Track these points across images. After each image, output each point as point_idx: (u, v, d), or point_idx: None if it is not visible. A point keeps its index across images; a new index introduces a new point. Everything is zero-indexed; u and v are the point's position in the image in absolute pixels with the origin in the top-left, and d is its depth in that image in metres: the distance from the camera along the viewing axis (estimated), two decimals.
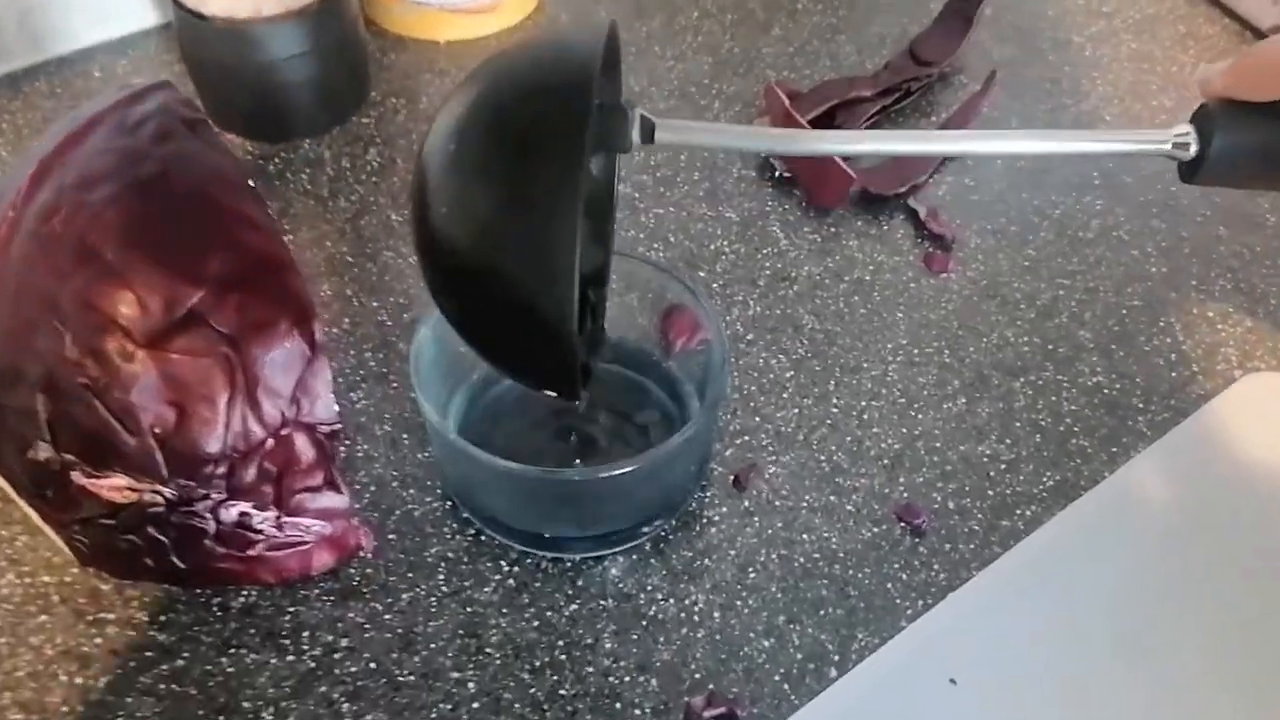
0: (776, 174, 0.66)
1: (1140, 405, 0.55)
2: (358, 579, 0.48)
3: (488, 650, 0.46)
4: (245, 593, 0.47)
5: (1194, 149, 0.38)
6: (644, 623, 0.47)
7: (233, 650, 0.46)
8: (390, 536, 0.49)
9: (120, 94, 0.47)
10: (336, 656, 0.45)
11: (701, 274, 0.61)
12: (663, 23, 0.77)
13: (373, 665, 0.45)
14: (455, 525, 0.50)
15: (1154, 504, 0.51)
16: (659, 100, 0.71)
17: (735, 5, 0.78)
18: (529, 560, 0.49)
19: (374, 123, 0.68)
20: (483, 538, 0.49)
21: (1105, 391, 0.56)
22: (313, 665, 0.45)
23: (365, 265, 0.60)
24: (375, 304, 0.59)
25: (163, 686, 0.44)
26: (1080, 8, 0.79)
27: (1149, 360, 0.57)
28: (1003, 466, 0.53)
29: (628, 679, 0.45)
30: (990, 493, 0.52)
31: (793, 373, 0.56)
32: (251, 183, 0.45)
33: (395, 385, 0.55)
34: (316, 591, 0.47)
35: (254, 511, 0.45)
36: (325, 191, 0.64)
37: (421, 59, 0.73)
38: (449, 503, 0.50)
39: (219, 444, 0.43)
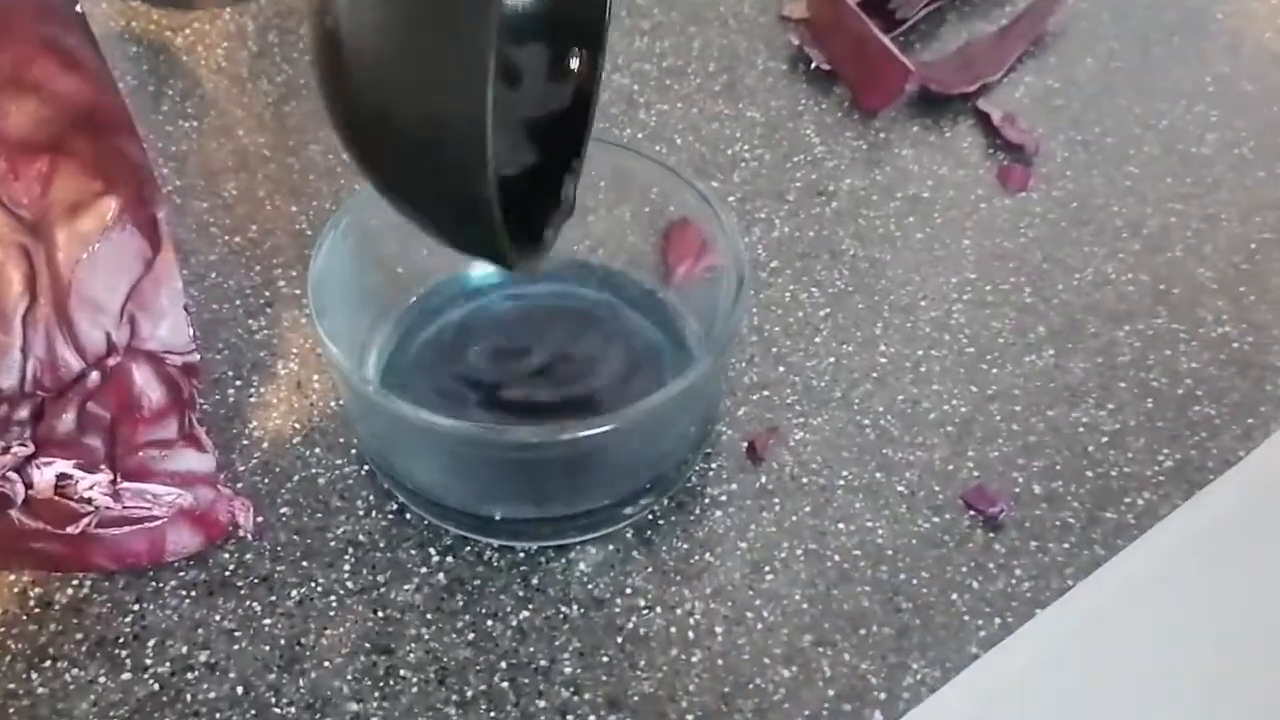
0: (813, 66, 0.53)
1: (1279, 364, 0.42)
2: (230, 569, 0.35)
3: (402, 673, 0.33)
4: (74, 583, 0.35)
5: None
6: (619, 639, 0.34)
7: (49, 663, 0.33)
8: (282, 511, 0.37)
9: None
10: (191, 677, 0.33)
11: (715, 185, 0.48)
12: None
13: (240, 689, 0.33)
14: (371, 499, 0.37)
15: None
16: None
17: None
18: (467, 549, 0.36)
19: None
20: (407, 516, 0.37)
21: (1234, 345, 0.43)
22: (157, 688, 0.33)
23: (285, 160, 0.47)
24: (294, 209, 0.46)
25: None
26: None
27: None
28: (1104, 440, 0.40)
29: (593, 718, 0.33)
30: (1089, 474, 0.39)
31: (828, 310, 0.43)
32: (79, 8, 0.32)
33: (309, 312, 0.42)
34: (171, 584, 0.35)
35: (77, 473, 0.32)
36: (245, 71, 0.51)
37: None
38: (365, 469, 0.38)
39: (15, 375, 0.30)
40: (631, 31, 0.55)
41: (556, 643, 0.34)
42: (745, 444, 0.39)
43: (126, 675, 0.33)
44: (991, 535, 0.37)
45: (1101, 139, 0.51)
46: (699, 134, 0.50)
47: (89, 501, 0.32)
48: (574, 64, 0.36)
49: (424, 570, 0.36)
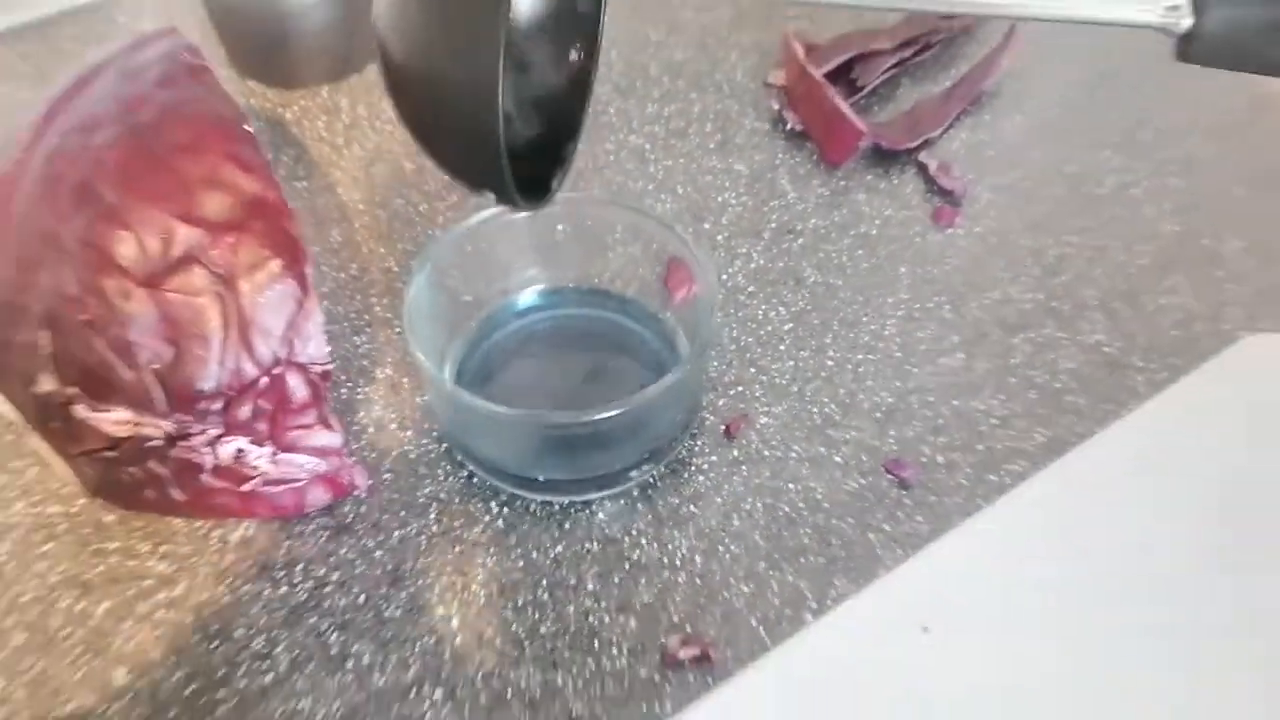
0: (789, 127, 0.66)
1: (1140, 364, 0.55)
2: (351, 516, 0.49)
3: (473, 588, 0.47)
4: (244, 526, 0.49)
5: (1187, 22, 0.35)
6: (627, 566, 0.48)
7: (229, 581, 0.47)
8: (385, 476, 0.51)
9: (126, 41, 0.48)
10: (327, 590, 0.47)
11: (706, 226, 0.61)
12: None
13: (361, 599, 0.47)
14: (448, 467, 0.51)
15: (1143, 461, 0.51)
16: (677, 50, 0.71)
17: None
18: (518, 503, 0.50)
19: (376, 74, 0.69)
20: (474, 480, 0.51)
21: (1105, 349, 0.56)
22: (304, 598, 0.47)
23: (375, 212, 0.61)
24: (383, 250, 0.60)
25: (160, 614, 0.46)
26: None
27: (1153, 319, 0.57)
28: (994, 422, 0.53)
29: (607, 619, 0.46)
30: (979, 447, 0.52)
31: (791, 325, 0.57)
32: (249, 128, 0.46)
33: (398, 331, 0.56)
34: (311, 527, 0.49)
35: (250, 447, 0.46)
36: (340, 139, 0.65)
37: None
38: (443, 445, 0.52)
39: (213, 380, 0.44)
40: (645, 99, 0.69)
41: (581, 568, 0.48)
42: (722, 426, 0.53)
43: (284, 589, 0.47)
44: (903, 493, 0.50)
45: (1020, 182, 0.64)
46: (696, 185, 0.63)
47: (256, 468, 0.47)
48: (574, 56, 0.48)
49: (486, 518, 0.49)
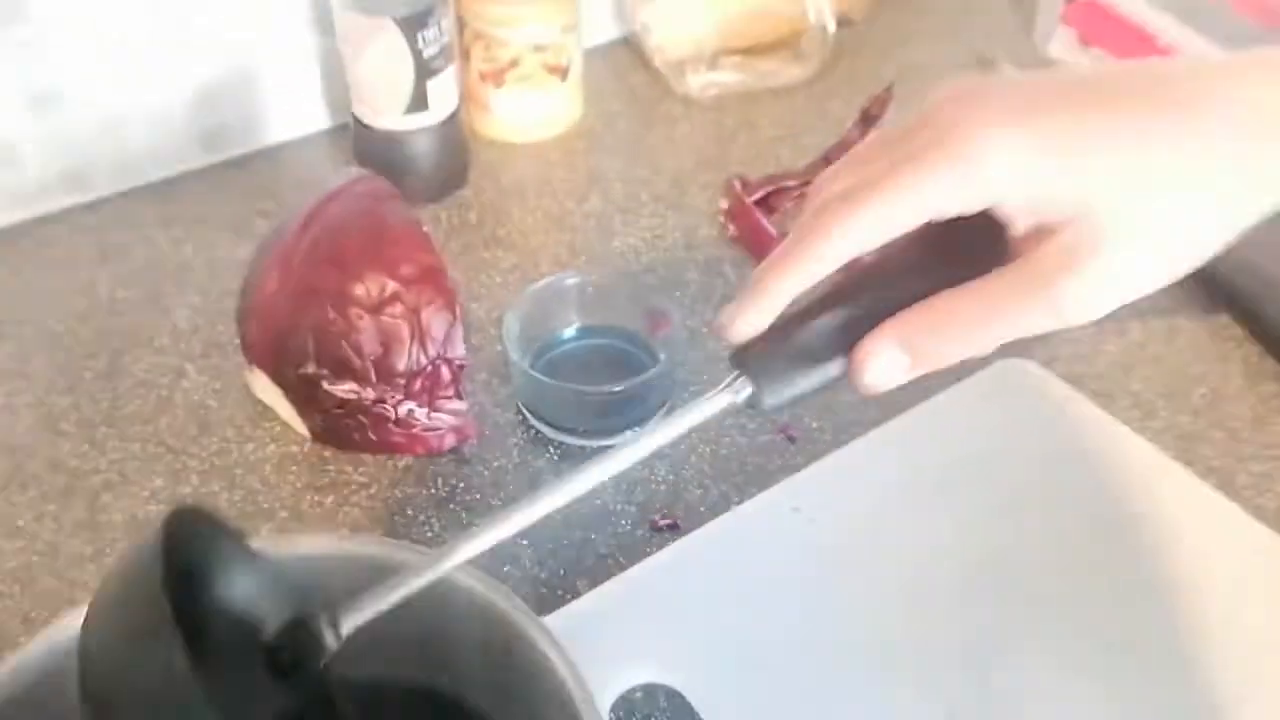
0: (730, 234, 1.03)
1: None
2: (469, 453, 0.84)
3: None
4: (407, 460, 0.84)
5: (746, 391, 0.49)
6: (633, 478, 0.83)
7: (399, 486, 0.82)
8: (486, 431, 0.86)
9: (347, 179, 0.85)
10: (457, 492, 0.82)
11: (676, 294, 0.97)
12: (661, 134, 1.15)
13: (477, 497, 0.81)
14: (525, 426, 0.86)
15: (904, 455, 0.87)
16: (659, 184, 1.08)
17: (712, 121, 1.16)
18: (569, 446, 0.85)
19: (472, 193, 1.06)
20: (538, 434, 0.86)
21: None
22: (444, 496, 0.81)
23: (470, 285, 0.98)
24: (475, 305, 0.96)
25: (360, 508, 0.81)
26: None
27: None
28: (849, 402, 0.89)
29: (619, 507, 0.81)
30: (837, 416, 0.87)
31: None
32: (425, 228, 0.82)
33: (499, 346, 0.91)
34: (446, 458, 0.84)
35: (416, 408, 0.81)
36: (441, 237, 1.02)
37: (500, 153, 1.11)
38: (519, 413, 0.87)
39: (404, 366, 0.79)
40: (639, 214, 1.06)
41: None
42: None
43: (433, 490, 0.82)
44: (791, 445, 0.86)
45: None
46: (670, 268, 1.00)
47: (418, 422, 0.82)
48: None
49: (547, 457, 0.84)
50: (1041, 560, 0.76)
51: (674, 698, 0.68)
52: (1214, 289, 0.94)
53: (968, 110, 0.46)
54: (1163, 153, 0.45)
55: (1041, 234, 0.46)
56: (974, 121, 0.45)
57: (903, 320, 0.48)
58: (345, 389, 0.79)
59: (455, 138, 1.05)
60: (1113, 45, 1.17)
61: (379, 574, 0.45)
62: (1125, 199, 0.45)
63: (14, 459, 0.83)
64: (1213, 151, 0.45)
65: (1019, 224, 0.47)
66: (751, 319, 0.50)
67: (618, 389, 0.82)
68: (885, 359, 0.48)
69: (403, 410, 0.81)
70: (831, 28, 1.19)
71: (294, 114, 1.11)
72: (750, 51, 1.20)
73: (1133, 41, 1.15)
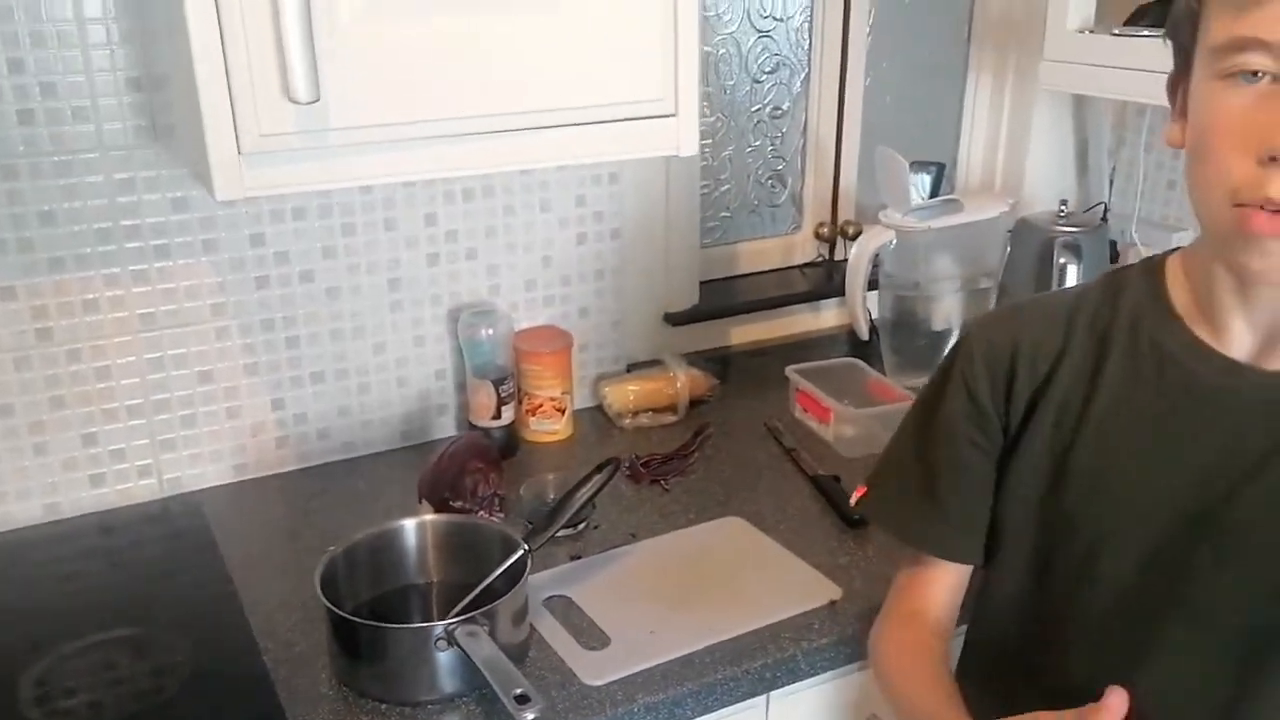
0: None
1: None
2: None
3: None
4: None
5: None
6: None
7: None
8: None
9: (464, 438, 2.26)
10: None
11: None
12: (608, 443, 2.55)
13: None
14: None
15: None
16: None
17: (629, 440, 2.56)
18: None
19: (518, 458, 2.46)
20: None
21: None
22: None
23: (515, 483, 2.33)
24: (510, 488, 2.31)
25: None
26: None
27: None
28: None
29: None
30: None
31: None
32: (494, 452, 2.22)
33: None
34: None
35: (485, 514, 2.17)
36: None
37: (531, 444, 2.52)
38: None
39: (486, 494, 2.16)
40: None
41: None
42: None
43: None
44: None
45: None
46: None
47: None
48: None
49: None
50: None
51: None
52: None
53: None
54: None
55: None
56: None
57: None
58: (459, 506, 2.15)
59: (513, 433, 2.45)
60: None
61: None
62: None
63: None
64: None
65: None
66: None
67: None
68: None
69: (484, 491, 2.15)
70: (687, 400, 2.62)
71: (447, 424, 2.53)
72: (650, 409, 2.62)
73: None
